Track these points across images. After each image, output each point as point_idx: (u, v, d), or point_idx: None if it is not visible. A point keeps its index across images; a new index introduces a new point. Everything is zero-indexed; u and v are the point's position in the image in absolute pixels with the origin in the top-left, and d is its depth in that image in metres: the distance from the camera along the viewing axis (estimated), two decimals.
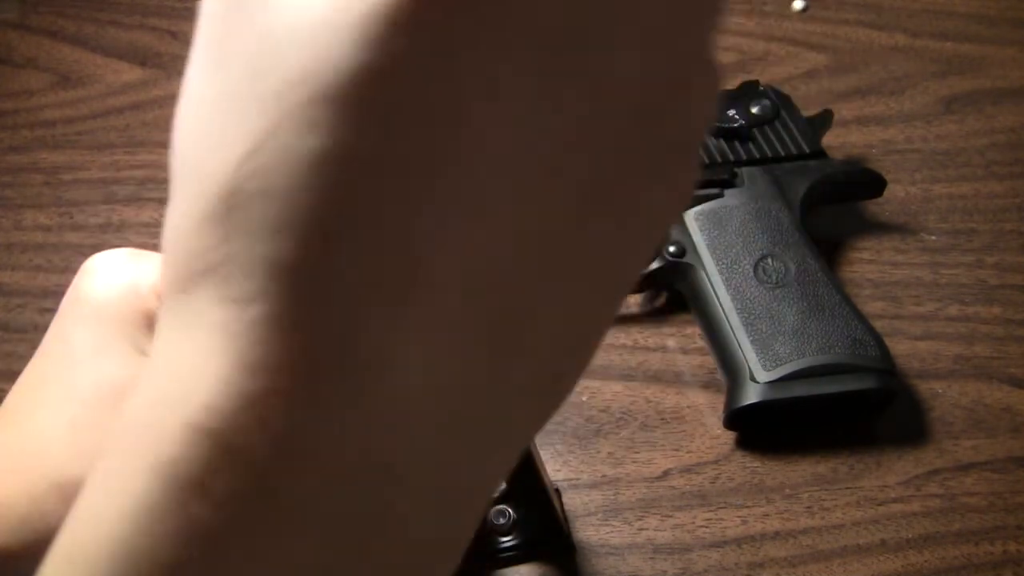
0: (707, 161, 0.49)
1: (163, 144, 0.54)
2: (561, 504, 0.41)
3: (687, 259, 0.46)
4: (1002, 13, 0.63)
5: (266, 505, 0.13)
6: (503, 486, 0.40)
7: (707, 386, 0.46)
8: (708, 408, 0.45)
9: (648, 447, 0.44)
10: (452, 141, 0.13)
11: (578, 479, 0.43)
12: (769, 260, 0.45)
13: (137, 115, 0.56)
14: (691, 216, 0.46)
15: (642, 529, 0.41)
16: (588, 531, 0.41)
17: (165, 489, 0.13)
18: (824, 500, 0.42)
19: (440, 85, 0.13)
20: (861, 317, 0.44)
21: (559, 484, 0.42)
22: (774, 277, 0.44)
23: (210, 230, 0.13)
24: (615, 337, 0.47)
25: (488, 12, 0.13)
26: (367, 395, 0.13)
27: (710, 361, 0.46)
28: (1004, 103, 0.58)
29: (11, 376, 0.25)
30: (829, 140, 0.52)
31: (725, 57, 0.60)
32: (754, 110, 0.50)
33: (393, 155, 0.13)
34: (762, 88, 0.52)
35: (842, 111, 0.55)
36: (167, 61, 0.59)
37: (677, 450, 0.44)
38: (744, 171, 0.48)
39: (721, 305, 0.44)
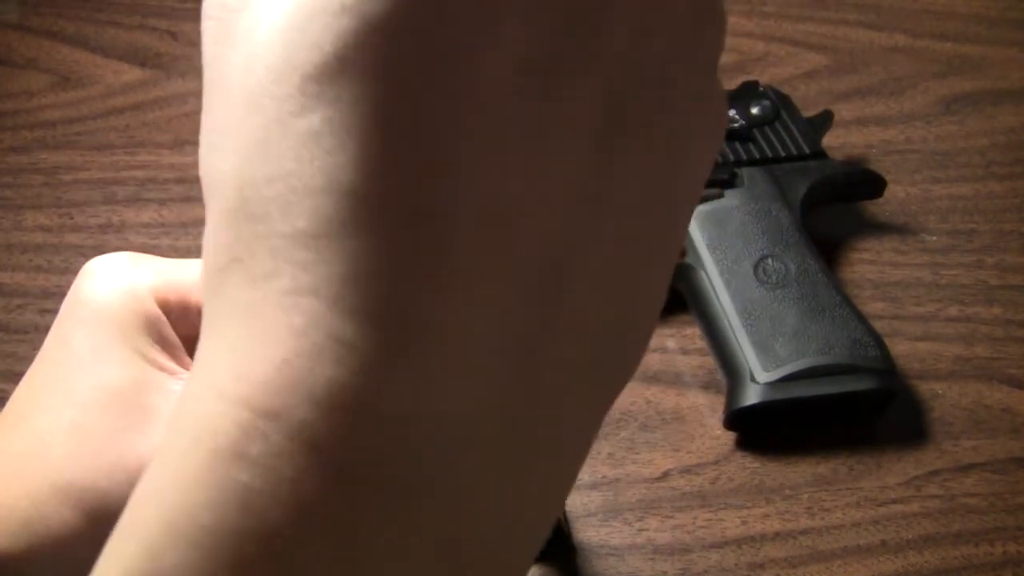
0: None
1: (163, 145, 0.54)
2: None
3: (687, 259, 0.46)
4: (1002, 14, 0.63)
5: (307, 463, 0.13)
6: None
7: (707, 387, 0.46)
8: (708, 409, 0.45)
9: (648, 448, 0.44)
10: (453, 96, 0.13)
11: (578, 480, 0.43)
12: (769, 260, 0.45)
13: (137, 116, 0.56)
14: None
15: (642, 530, 0.41)
16: (588, 532, 0.41)
17: (207, 458, 0.13)
18: (824, 501, 0.42)
19: (432, 37, 0.13)
20: (861, 318, 0.44)
21: None
22: (774, 277, 0.44)
23: (232, 222, 0.14)
24: None
25: None
26: (398, 355, 0.14)
27: (710, 361, 0.46)
28: (1004, 104, 0.58)
29: (11, 376, 0.26)
30: (829, 140, 0.52)
31: (725, 57, 0.59)
32: (754, 110, 0.50)
33: (401, 115, 0.13)
34: (762, 88, 0.52)
35: (842, 111, 0.55)
36: (167, 61, 0.59)
37: (677, 451, 0.44)
38: (744, 171, 0.48)
39: (721, 305, 0.44)
